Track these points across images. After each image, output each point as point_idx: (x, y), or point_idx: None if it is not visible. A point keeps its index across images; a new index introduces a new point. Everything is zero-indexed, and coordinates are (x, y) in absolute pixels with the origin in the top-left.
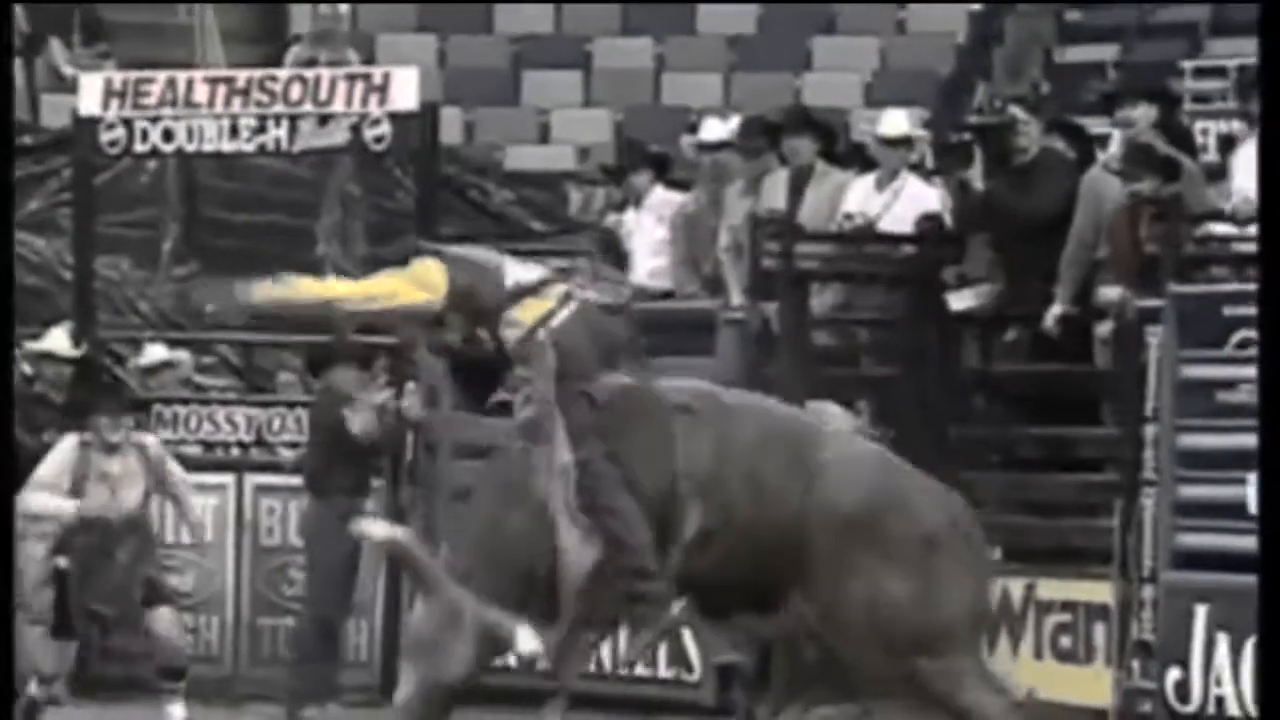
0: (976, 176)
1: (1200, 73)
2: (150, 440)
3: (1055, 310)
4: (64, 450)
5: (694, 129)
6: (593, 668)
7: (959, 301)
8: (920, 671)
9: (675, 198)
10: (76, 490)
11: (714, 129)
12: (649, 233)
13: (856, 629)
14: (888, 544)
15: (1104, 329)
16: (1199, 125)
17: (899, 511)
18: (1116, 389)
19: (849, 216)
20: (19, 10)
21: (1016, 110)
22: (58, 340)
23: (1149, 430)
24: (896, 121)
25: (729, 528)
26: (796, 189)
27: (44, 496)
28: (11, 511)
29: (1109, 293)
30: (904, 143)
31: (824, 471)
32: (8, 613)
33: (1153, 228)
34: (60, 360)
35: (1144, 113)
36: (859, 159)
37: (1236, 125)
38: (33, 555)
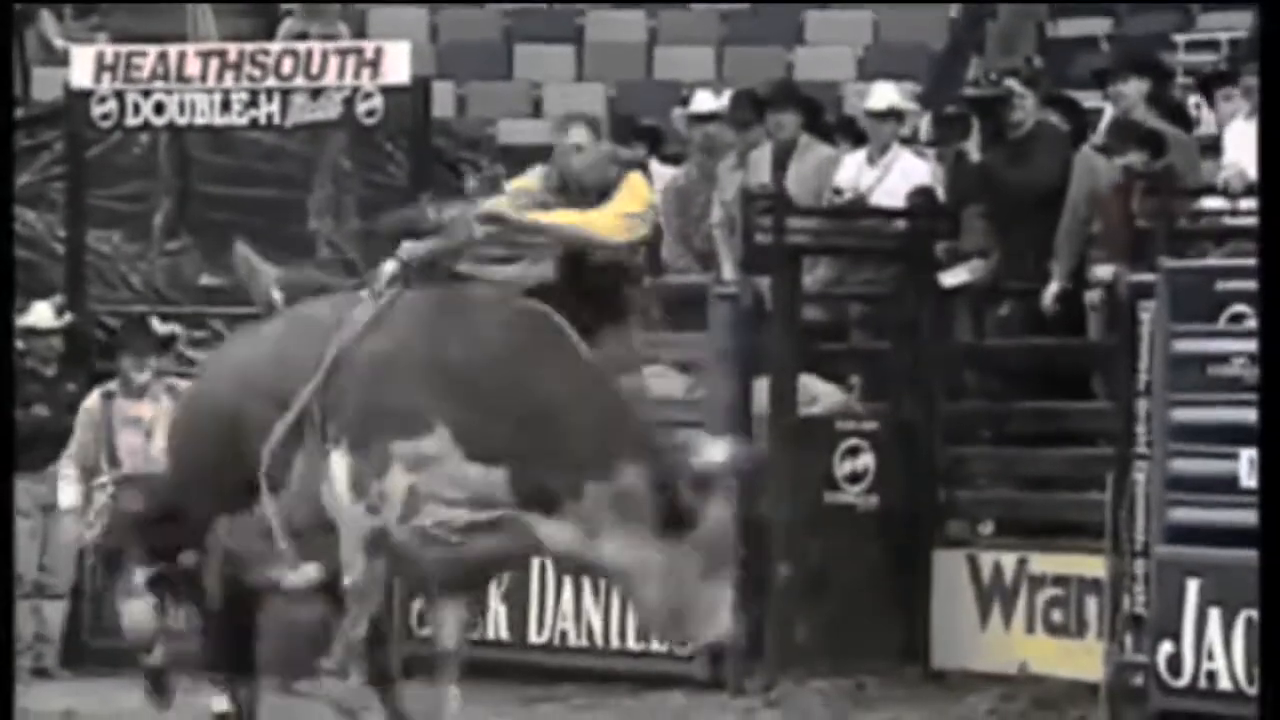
0: (974, 149)
1: (1193, 46)
2: (183, 383)
3: (1053, 288)
4: (85, 413)
5: (685, 102)
6: (585, 641)
7: (952, 278)
8: None
9: (668, 172)
10: (109, 445)
11: (704, 101)
12: None
13: None
14: None
15: (1092, 295)
16: (1193, 99)
17: None
18: (1109, 363)
19: (839, 191)
20: None
21: (1012, 83)
22: (41, 313)
23: (1141, 404)
24: (884, 94)
25: None
26: (780, 163)
27: (68, 489)
28: (11, 509)
29: (1102, 271)
30: (893, 115)
31: None
32: (8, 612)
33: (1145, 202)
34: (43, 333)
35: (1135, 87)
36: (850, 133)
37: (1227, 98)
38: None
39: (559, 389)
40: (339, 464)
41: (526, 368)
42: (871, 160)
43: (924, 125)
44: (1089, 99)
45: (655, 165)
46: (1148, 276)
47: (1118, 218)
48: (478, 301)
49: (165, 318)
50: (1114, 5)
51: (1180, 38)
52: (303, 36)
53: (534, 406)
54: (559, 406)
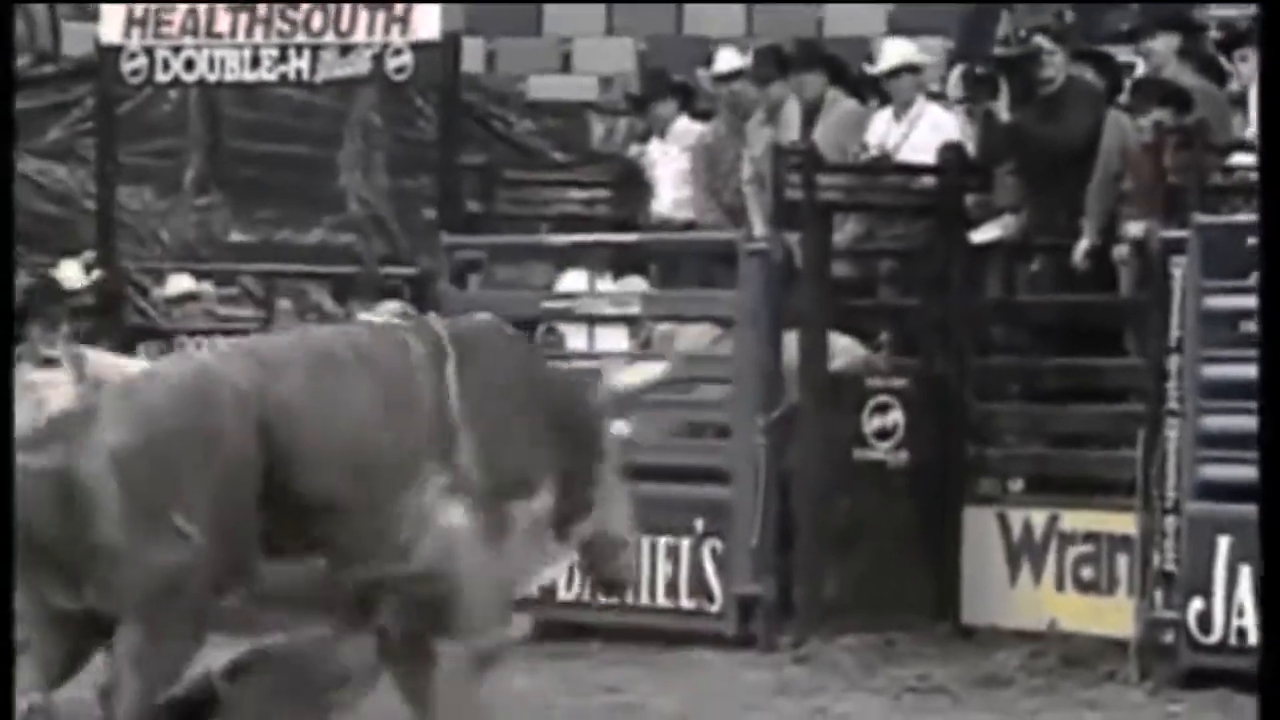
0: (1002, 108)
1: None
2: (94, 353)
3: (1083, 244)
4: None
5: (710, 62)
6: (614, 600)
7: (983, 234)
8: None
9: (699, 128)
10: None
11: (728, 59)
12: (673, 163)
13: None
14: None
15: (1121, 251)
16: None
17: None
18: (1140, 319)
19: (865, 147)
20: None
21: (1042, 40)
22: (69, 272)
23: (1172, 361)
24: (894, 52)
25: None
26: (808, 120)
27: None
28: (11, 505)
29: (1134, 227)
30: (910, 70)
31: None
32: (8, 612)
33: (1177, 157)
34: (69, 293)
35: (1165, 43)
36: (879, 90)
37: (1244, 59)
38: None
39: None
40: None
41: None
42: (897, 116)
43: (954, 80)
44: (1122, 54)
45: (687, 121)
46: (1179, 233)
47: (1149, 174)
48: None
49: (195, 274)
50: None
51: None
52: None
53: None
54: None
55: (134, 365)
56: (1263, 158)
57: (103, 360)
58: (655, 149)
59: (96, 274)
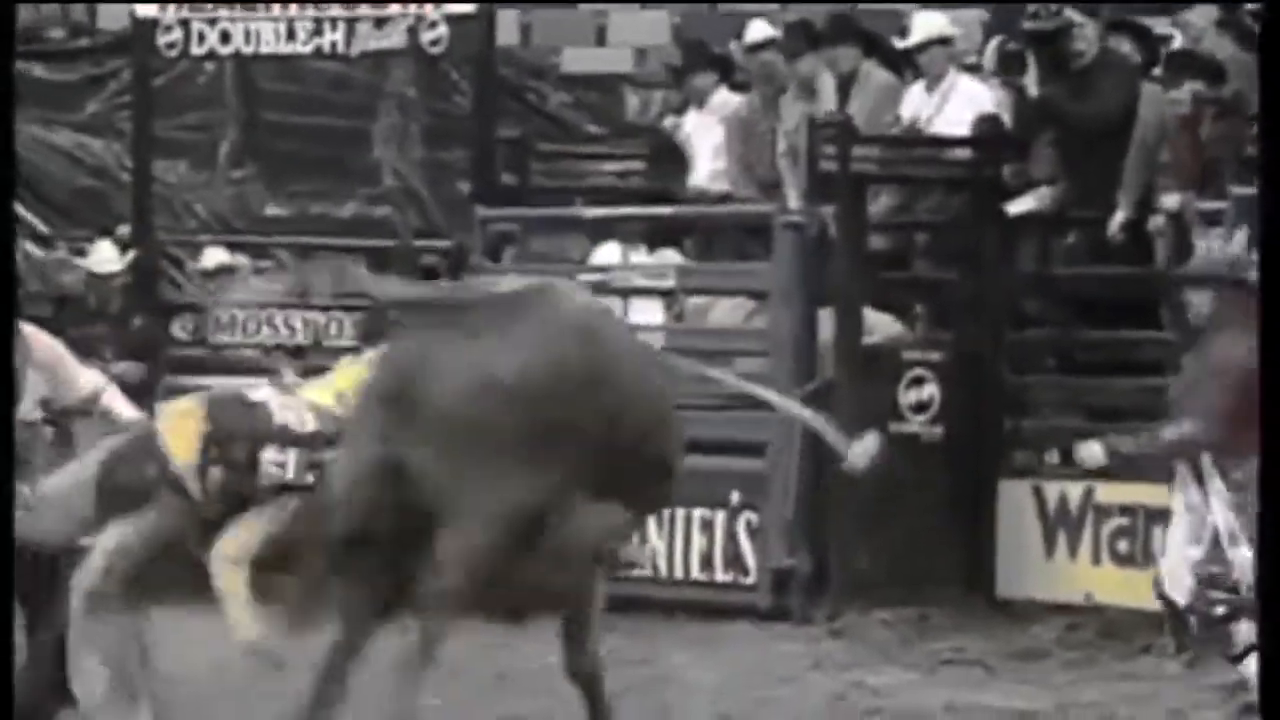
0: (1031, 83)
1: None
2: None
3: (1119, 217)
4: None
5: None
6: (650, 572)
7: (1018, 206)
8: None
9: (735, 100)
10: None
11: (758, 30)
12: (711, 135)
13: None
14: None
15: (1156, 223)
16: None
17: None
18: (1177, 292)
19: (898, 120)
20: None
21: (1072, 13)
22: (104, 253)
23: None
24: (922, 26)
25: None
26: (843, 93)
27: None
28: (11, 507)
29: (1170, 199)
30: (940, 43)
31: None
32: (8, 611)
33: (1213, 129)
34: (107, 277)
35: (1203, 13)
36: (912, 63)
37: None
38: None
39: None
40: None
41: None
42: (929, 89)
43: (989, 52)
44: (1159, 25)
45: (725, 93)
46: (1217, 204)
47: (1186, 146)
48: None
49: (231, 247)
50: None
51: None
52: None
53: None
54: None
55: None
56: (1263, 157)
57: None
58: (692, 120)
59: (132, 253)
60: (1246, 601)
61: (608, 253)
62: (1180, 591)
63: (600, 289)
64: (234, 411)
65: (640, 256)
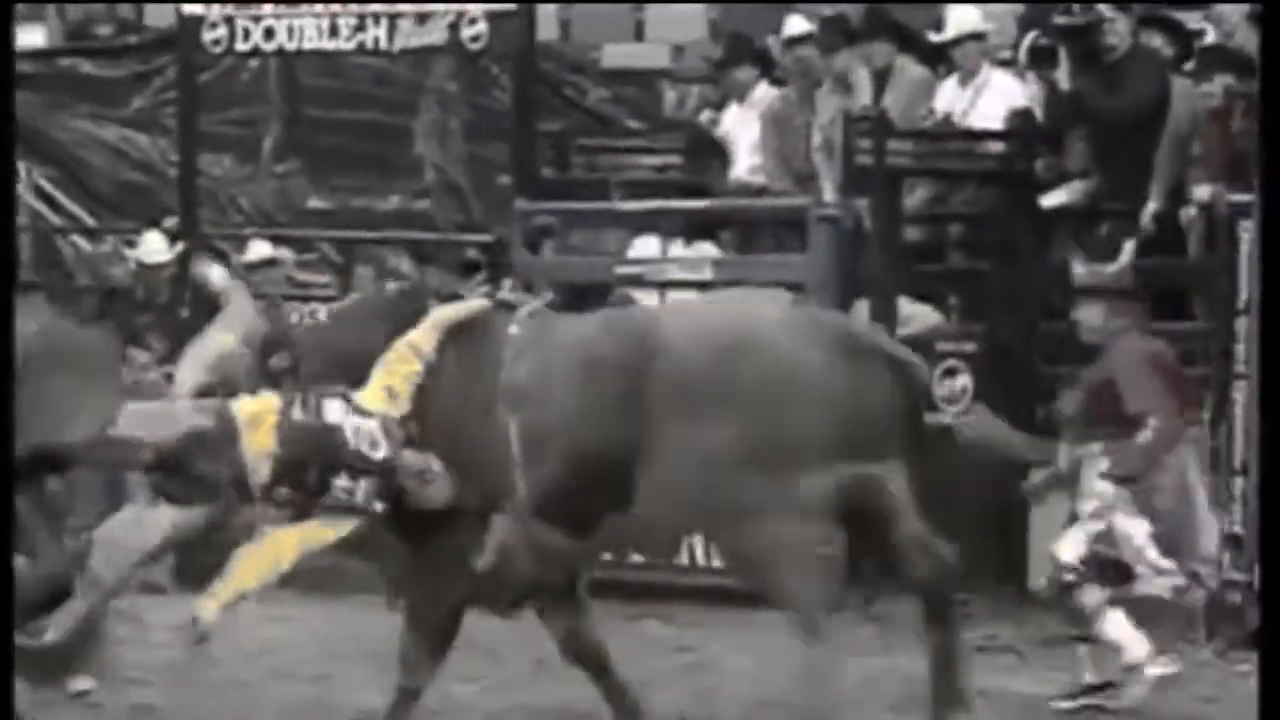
0: (1063, 77)
1: None
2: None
3: (1151, 208)
4: None
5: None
6: (685, 561)
7: (1052, 199)
8: None
9: (773, 94)
10: None
11: (795, 25)
12: (750, 130)
13: None
14: None
15: (1188, 214)
16: None
17: None
18: (1208, 283)
19: (931, 112)
20: None
21: (1103, 8)
22: (153, 244)
23: (1240, 324)
24: (958, 21)
25: None
26: (878, 87)
27: None
28: (11, 510)
29: (1201, 191)
30: (974, 38)
31: None
32: (8, 611)
33: (1244, 123)
34: (156, 267)
35: (1235, 8)
36: (946, 58)
37: None
38: None
39: None
40: None
41: None
42: (962, 83)
43: (1024, 47)
44: (1191, 20)
45: (765, 87)
46: (1247, 196)
47: (1217, 139)
48: None
49: (275, 241)
50: None
51: None
52: None
53: None
54: None
55: None
56: (1263, 157)
57: None
58: (733, 115)
59: (180, 244)
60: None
61: (646, 245)
62: (1070, 553)
63: (638, 281)
64: (308, 437)
65: (678, 249)
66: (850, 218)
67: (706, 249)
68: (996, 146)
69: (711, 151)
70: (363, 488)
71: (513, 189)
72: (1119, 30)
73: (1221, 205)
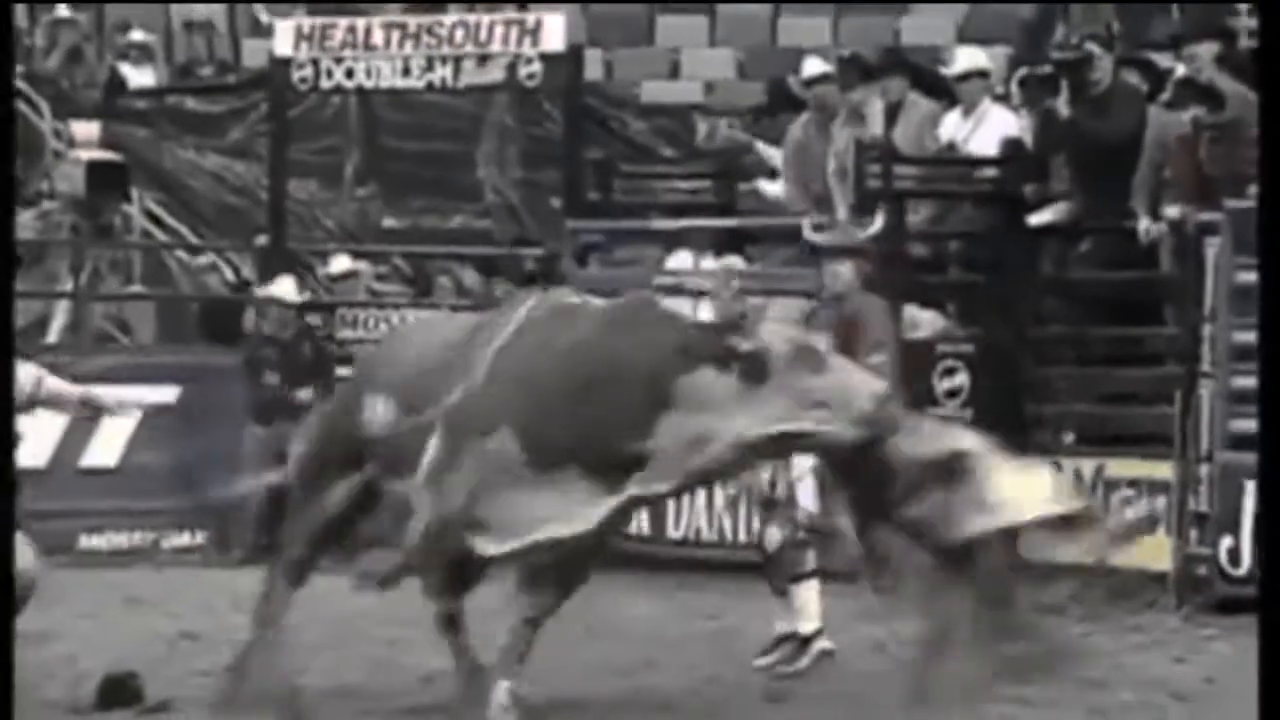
0: (1062, 105)
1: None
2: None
3: (1142, 224)
4: None
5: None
6: (716, 537)
7: (1039, 218)
8: None
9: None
10: None
11: (813, 66)
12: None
13: None
14: None
15: (1155, 228)
16: None
17: None
18: (1177, 293)
19: (937, 141)
20: None
21: (1093, 46)
22: (285, 288)
23: (1206, 329)
24: (966, 58)
25: None
26: (891, 119)
27: None
28: (12, 510)
29: (1172, 210)
30: (979, 75)
31: None
32: (8, 612)
33: (1211, 150)
34: (285, 305)
35: (1207, 49)
36: (951, 94)
37: None
38: None
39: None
40: None
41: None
42: (965, 115)
43: (1015, 84)
44: (1163, 59)
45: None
46: (1212, 216)
47: (1186, 164)
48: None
49: (355, 255)
50: None
51: (1245, 3)
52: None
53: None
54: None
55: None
56: (1263, 156)
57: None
58: (771, 149)
59: (308, 293)
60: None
61: (680, 259)
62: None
63: (674, 290)
64: None
65: (708, 262)
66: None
67: (734, 262)
68: (990, 172)
69: (739, 175)
70: None
71: (563, 210)
72: (1104, 66)
73: (1190, 223)
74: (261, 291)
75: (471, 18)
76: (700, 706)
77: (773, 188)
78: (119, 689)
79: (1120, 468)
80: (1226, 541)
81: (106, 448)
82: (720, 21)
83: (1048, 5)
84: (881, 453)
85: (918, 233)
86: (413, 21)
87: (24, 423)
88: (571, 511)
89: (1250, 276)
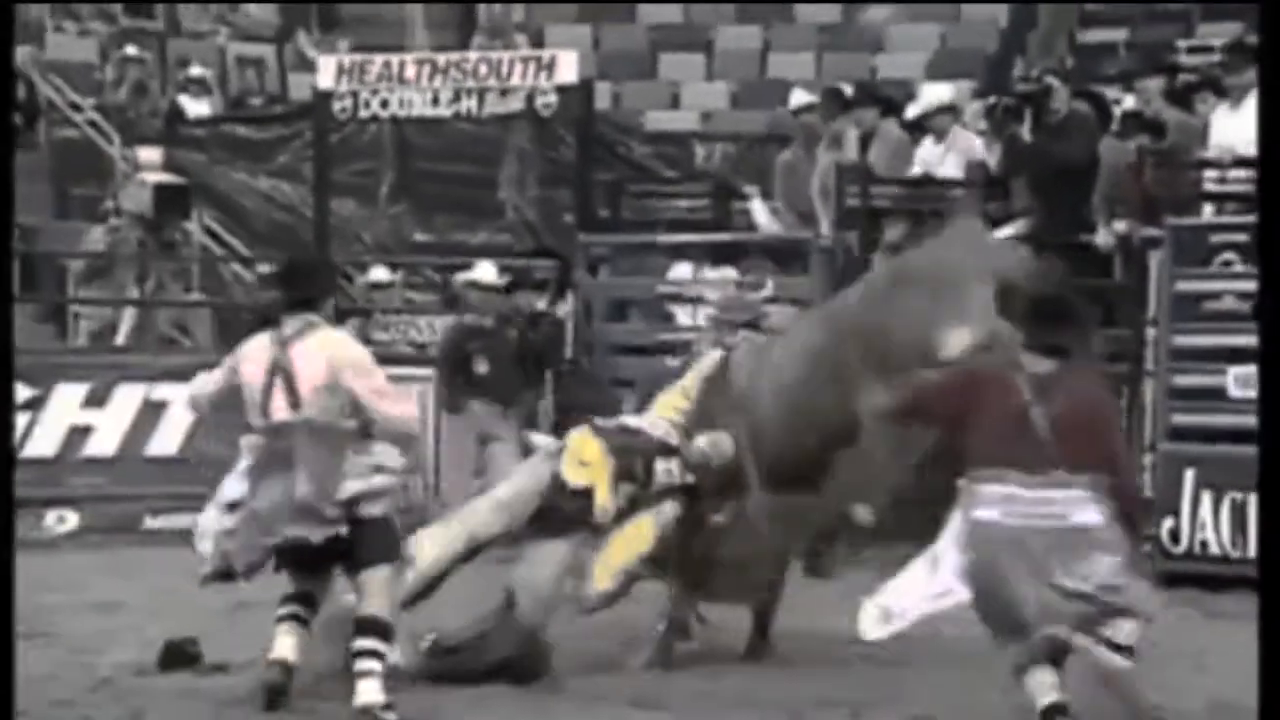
0: (1025, 131)
1: (1192, 50)
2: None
3: (1104, 237)
4: None
5: (785, 101)
6: None
7: (1002, 232)
8: None
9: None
10: None
11: (798, 97)
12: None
13: None
14: None
15: (1105, 239)
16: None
17: None
18: (1125, 299)
19: (912, 164)
20: (272, 5)
21: (1052, 80)
22: (487, 272)
23: (1150, 332)
24: (930, 96)
25: None
26: (864, 145)
27: None
28: (12, 510)
29: (1120, 226)
30: (947, 110)
31: None
32: (8, 612)
33: (1154, 174)
34: (490, 289)
35: (1154, 84)
36: (922, 127)
37: (1203, 101)
38: None
39: None
40: None
41: None
42: (937, 141)
43: (972, 112)
44: (1111, 92)
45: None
46: (1156, 231)
47: (1133, 186)
48: None
49: (390, 266)
50: (1130, 16)
51: (1183, 43)
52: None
53: None
54: None
55: None
56: (1263, 157)
57: None
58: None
59: (508, 277)
60: None
61: (681, 269)
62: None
63: (675, 298)
64: (624, 437)
65: (706, 273)
66: (841, 248)
67: (729, 272)
68: (958, 191)
69: (732, 196)
70: (675, 465)
71: (576, 225)
72: (1061, 97)
73: (1136, 238)
74: (462, 278)
75: (494, 54)
76: None
77: (761, 217)
78: (180, 653)
79: None
80: (1168, 523)
81: (169, 438)
82: (716, 57)
83: (1008, 44)
84: None
85: (891, 246)
86: (441, 58)
87: (95, 417)
88: None
89: (1189, 285)
